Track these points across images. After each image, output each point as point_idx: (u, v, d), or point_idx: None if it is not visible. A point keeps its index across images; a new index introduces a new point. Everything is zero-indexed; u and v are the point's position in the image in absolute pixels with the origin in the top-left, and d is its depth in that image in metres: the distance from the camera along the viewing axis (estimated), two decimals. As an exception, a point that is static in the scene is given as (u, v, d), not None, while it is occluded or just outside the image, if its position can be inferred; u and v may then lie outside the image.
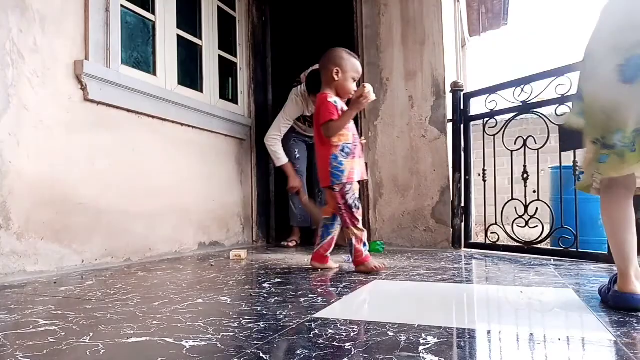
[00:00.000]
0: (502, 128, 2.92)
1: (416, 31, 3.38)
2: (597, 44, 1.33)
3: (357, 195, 2.24)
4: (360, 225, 2.21)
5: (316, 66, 3.26)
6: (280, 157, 3.44)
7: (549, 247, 2.86)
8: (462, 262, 2.51)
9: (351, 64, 2.24)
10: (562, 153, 2.62)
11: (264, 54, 4.11)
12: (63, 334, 1.16)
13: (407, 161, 3.37)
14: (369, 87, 2.15)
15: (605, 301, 1.42)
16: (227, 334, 1.15)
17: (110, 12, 2.53)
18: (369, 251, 2.23)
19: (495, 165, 2.97)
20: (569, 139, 2.55)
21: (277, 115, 3.58)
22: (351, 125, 2.25)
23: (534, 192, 2.67)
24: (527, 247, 2.77)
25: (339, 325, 1.22)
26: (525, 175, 2.73)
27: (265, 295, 1.65)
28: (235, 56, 3.81)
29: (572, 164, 2.59)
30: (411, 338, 1.09)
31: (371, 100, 2.17)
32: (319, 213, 2.43)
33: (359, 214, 2.21)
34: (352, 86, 2.25)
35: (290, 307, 1.46)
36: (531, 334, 1.14)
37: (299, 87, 3.48)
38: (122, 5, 2.66)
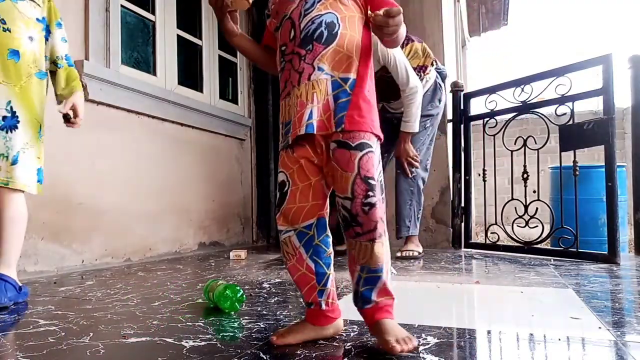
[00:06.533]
0: (502, 128, 2.91)
1: (416, 31, 3.37)
2: None
3: None
4: None
5: None
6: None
7: (549, 247, 2.85)
8: (462, 262, 2.51)
9: None
10: (562, 153, 2.62)
11: (264, 54, 4.10)
12: (63, 334, 1.17)
13: (407, 161, 3.36)
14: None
15: None
16: (227, 334, 1.15)
17: (110, 12, 2.53)
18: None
19: (495, 165, 2.96)
20: (569, 139, 2.55)
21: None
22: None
23: (534, 192, 2.66)
24: (527, 247, 2.76)
25: (339, 325, 1.21)
26: (525, 175, 2.73)
27: (265, 295, 1.65)
28: (235, 56, 3.81)
29: (572, 164, 2.58)
30: (411, 338, 1.09)
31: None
32: None
33: None
34: None
35: (290, 307, 1.46)
36: (531, 334, 1.14)
37: None
38: (122, 6, 2.66)
